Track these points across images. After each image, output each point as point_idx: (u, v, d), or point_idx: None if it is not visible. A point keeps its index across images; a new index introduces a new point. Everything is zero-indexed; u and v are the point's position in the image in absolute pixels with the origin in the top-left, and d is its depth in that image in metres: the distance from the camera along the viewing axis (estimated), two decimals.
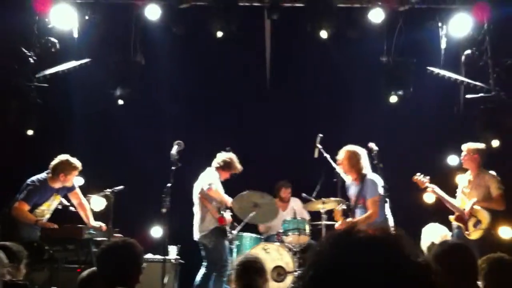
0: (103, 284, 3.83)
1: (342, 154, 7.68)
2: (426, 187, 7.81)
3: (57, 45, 9.40)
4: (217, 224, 8.26)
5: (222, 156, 8.60)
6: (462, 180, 7.95)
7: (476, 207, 7.58)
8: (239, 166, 8.64)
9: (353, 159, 7.60)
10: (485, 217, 7.51)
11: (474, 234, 7.48)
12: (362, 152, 7.63)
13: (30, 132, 9.11)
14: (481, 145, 7.89)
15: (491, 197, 7.63)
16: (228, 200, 8.46)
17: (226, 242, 8.34)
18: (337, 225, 7.69)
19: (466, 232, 7.52)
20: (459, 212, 7.67)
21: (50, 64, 9.65)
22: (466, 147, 7.88)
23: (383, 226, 6.93)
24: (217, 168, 8.57)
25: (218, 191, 8.35)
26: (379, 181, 7.50)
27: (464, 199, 7.73)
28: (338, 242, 1.19)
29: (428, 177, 7.87)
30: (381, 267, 1.11)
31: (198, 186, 8.44)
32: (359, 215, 7.58)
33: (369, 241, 1.17)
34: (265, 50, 10.87)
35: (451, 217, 7.76)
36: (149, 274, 6.88)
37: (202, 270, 8.36)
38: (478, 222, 7.52)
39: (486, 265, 3.85)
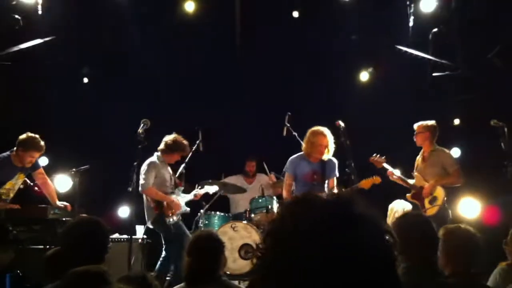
0: (69, 263, 3.74)
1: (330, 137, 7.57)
2: (383, 167, 7.85)
3: (21, 22, 9.16)
4: (155, 212, 7.94)
5: (165, 139, 8.13)
6: (418, 158, 8.01)
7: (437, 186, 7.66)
8: (185, 147, 8.20)
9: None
10: (440, 193, 7.61)
11: (430, 210, 7.59)
12: None
13: None
14: (431, 122, 7.88)
15: (447, 173, 7.69)
16: (166, 198, 7.97)
17: (179, 223, 8.04)
18: None
19: (423, 209, 7.61)
20: (415, 190, 7.76)
21: (13, 41, 9.43)
22: (416, 125, 7.92)
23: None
24: (162, 153, 8.11)
25: (154, 190, 7.87)
26: None
27: (419, 176, 7.80)
28: (296, 208, 1.19)
29: (384, 157, 7.91)
30: (339, 228, 1.12)
31: None
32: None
33: (326, 204, 1.18)
34: (235, 28, 10.78)
35: (408, 195, 7.86)
36: (116, 254, 6.77)
37: (162, 254, 8.10)
38: (434, 198, 7.63)
39: (441, 235, 3.89)
